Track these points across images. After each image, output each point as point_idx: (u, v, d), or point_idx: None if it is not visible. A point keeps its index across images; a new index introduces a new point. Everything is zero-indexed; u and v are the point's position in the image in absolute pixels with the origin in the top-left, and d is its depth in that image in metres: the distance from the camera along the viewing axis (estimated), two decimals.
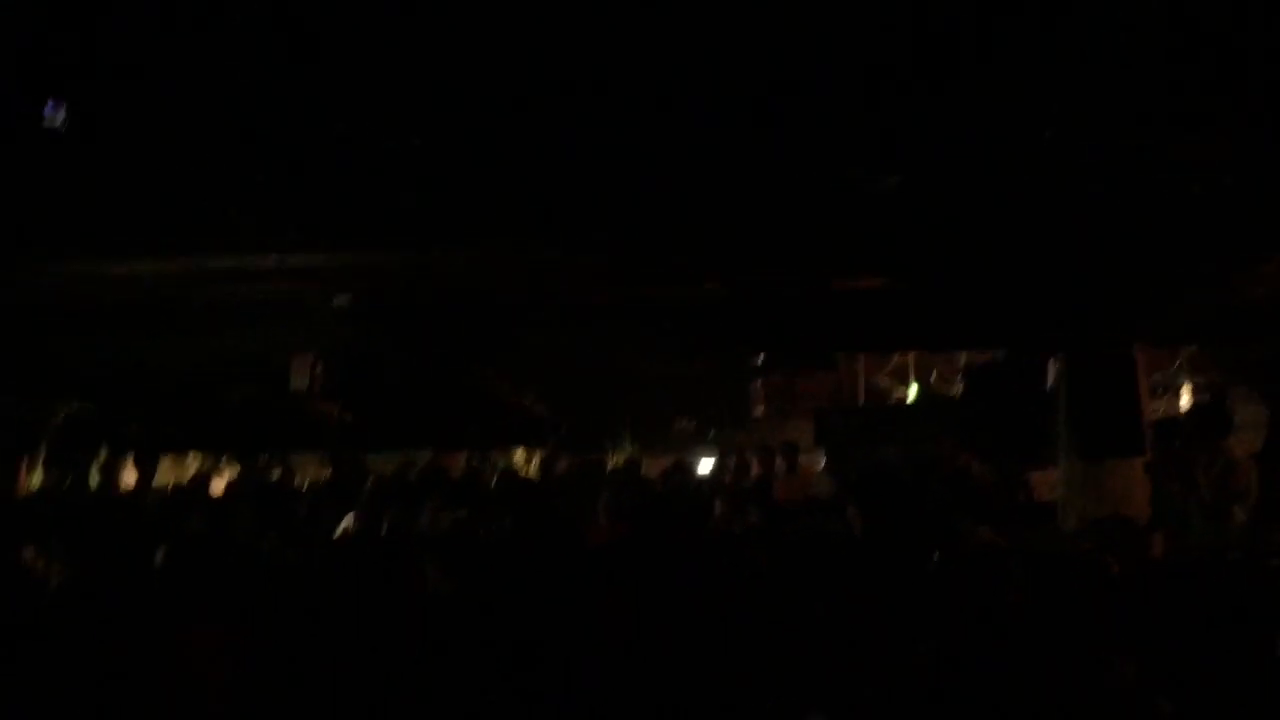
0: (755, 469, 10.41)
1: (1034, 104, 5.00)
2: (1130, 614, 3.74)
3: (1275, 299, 7.02)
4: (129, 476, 10.68)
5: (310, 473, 11.90)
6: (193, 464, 13.32)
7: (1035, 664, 3.38)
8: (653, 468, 11.97)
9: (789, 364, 11.48)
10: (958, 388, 11.74)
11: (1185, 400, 11.00)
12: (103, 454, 10.33)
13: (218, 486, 10.41)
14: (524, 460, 14.54)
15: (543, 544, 6.33)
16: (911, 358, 12.53)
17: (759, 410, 14.25)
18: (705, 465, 12.91)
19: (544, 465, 12.25)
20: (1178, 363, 11.39)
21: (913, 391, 12.62)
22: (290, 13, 4.65)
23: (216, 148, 5.38)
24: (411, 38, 4.70)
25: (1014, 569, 4.22)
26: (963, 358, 11.50)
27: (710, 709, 3.36)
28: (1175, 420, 9.01)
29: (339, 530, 7.37)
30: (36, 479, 9.68)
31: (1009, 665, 3.37)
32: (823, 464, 11.06)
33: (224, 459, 12.95)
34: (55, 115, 5.01)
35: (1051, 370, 8.11)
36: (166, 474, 11.96)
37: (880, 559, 5.02)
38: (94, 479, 10.14)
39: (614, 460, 12.73)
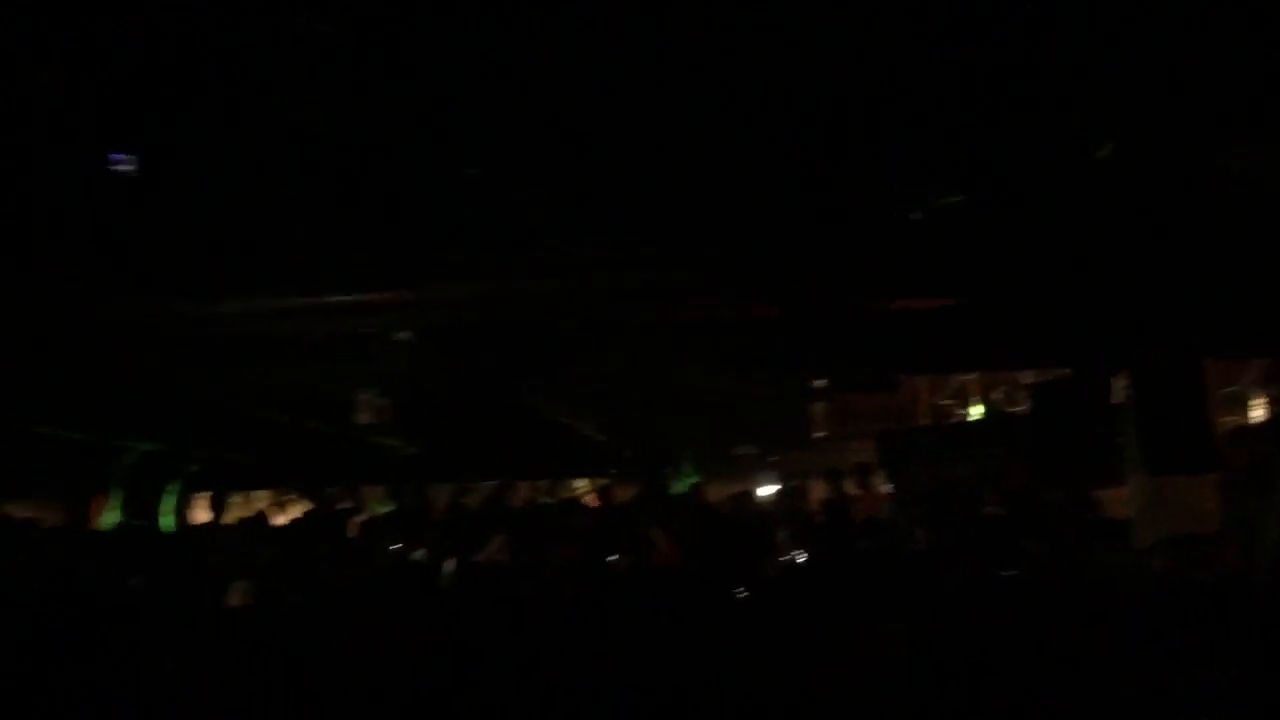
0: (821, 492, 10.39)
1: (1093, 118, 4.97)
2: (1208, 630, 3.67)
3: None
4: (200, 513, 10.87)
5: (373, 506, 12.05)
6: (260, 500, 13.53)
7: (1109, 683, 3.33)
8: (715, 493, 11.95)
9: (850, 386, 11.42)
10: (1022, 406, 11.60)
11: (1258, 413, 10.78)
12: (174, 491, 10.52)
13: (284, 519, 10.56)
14: (586, 489, 14.60)
15: (610, 573, 6.34)
16: (975, 377, 12.41)
17: (820, 433, 14.18)
18: (766, 490, 12.87)
19: (602, 494, 12.30)
20: (1249, 376, 11.17)
21: (977, 411, 12.50)
22: (344, 50, 4.74)
23: (277, 186, 5.48)
24: (465, 67, 4.77)
25: (1084, 588, 4.16)
26: (1028, 376, 11.37)
27: None
28: (1249, 430, 8.83)
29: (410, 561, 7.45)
30: (110, 518, 9.87)
31: (1083, 683, 3.32)
32: (885, 486, 11.00)
33: (290, 494, 13.14)
34: (125, 159, 5.15)
35: (1118, 386, 7.99)
36: (236, 510, 12.16)
37: (949, 580, 4.97)
38: (166, 516, 10.32)
39: (675, 487, 12.74)
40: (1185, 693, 3.13)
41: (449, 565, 7.17)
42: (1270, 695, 3.02)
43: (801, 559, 7.18)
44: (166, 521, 10.23)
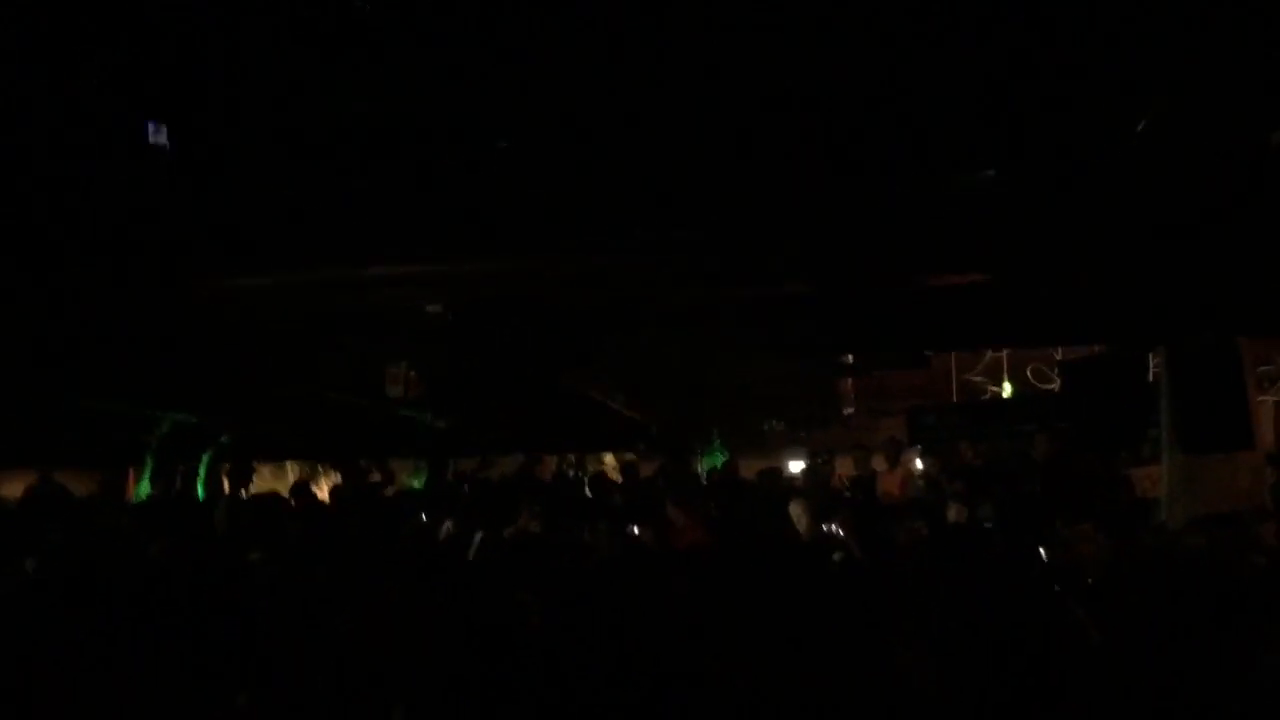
0: (849, 468, 10.36)
1: (1129, 95, 4.90)
2: (1241, 608, 3.64)
3: None
4: (231, 484, 10.96)
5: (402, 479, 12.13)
6: (292, 472, 13.64)
7: (1148, 660, 3.31)
8: (745, 469, 11.94)
9: (881, 363, 11.37)
10: (1054, 383, 11.54)
11: None
12: (206, 462, 10.62)
13: (321, 492, 10.64)
14: (614, 464, 14.62)
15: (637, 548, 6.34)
16: (1005, 354, 12.34)
17: (849, 410, 14.15)
18: (795, 466, 12.85)
19: (626, 470, 12.33)
20: None
21: (1008, 388, 12.43)
22: (368, 26, 4.73)
23: (309, 160, 5.49)
24: (496, 42, 4.75)
25: (1121, 567, 4.14)
26: (1058, 353, 11.30)
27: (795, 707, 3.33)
28: None
29: (441, 534, 7.50)
30: (144, 488, 9.98)
31: (1122, 659, 3.30)
32: (916, 462, 10.96)
33: (322, 466, 13.24)
34: (158, 134, 5.17)
35: (1153, 364, 7.92)
36: (267, 482, 12.26)
37: (981, 557, 4.94)
38: (199, 487, 10.42)
39: (704, 463, 12.74)
40: (1232, 672, 3.11)
41: (478, 537, 7.21)
42: None
43: (831, 531, 7.15)
44: (199, 492, 10.33)
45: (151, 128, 5.19)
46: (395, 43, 4.83)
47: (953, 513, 7.12)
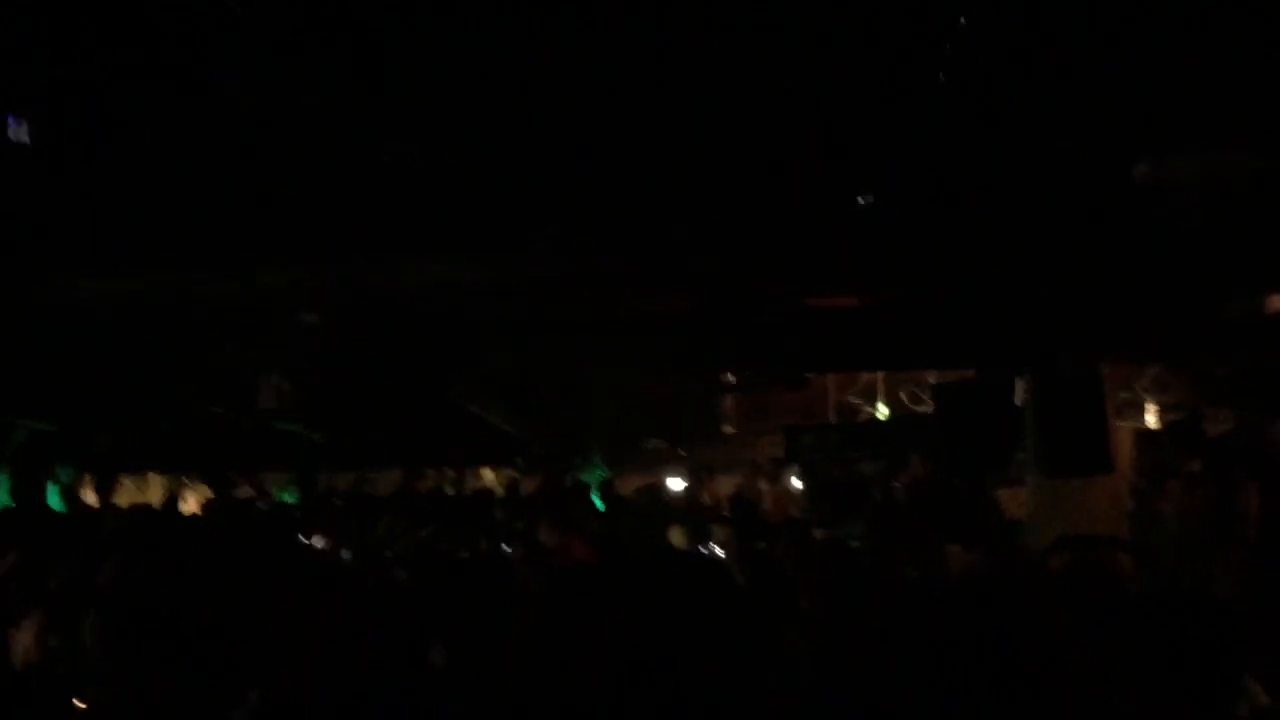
0: (728, 487, 10.42)
1: (1002, 124, 5.04)
2: (1101, 633, 3.74)
3: (1245, 317, 7.09)
4: (90, 495, 10.55)
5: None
6: (155, 484, 13.17)
7: (1011, 682, 3.37)
8: (623, 486, 11.93)
9: (760, 382, 11.50)
10: (926, 406, 11.79)
11: (1151, 419, 11.09)
12: (64, 472, 10.19)
13: (189, 506, 10.30)
14: (494, 479, 14.48)
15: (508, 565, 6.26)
16: (881, 376, 12.58)
17: (730, 428, 14.26)
18: (675, 484, 12.88)
19: (509, 486, 12.23)
20: (1143, 382, 11.49)
21: (883, 410, 12.67)
22: (254, 23, 4.63)
23: (185, 163, 5.34)
24: (388, 46, 4.69)
25: (990, 586, 4.21)
26: (932, 376, 11.56)
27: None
28: (1146, 434, 9.07)
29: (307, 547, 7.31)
30: (1, 498, 9.54)
31: (985, 682, 3.36)
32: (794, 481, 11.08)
33: (188, 478, 12.81)
34: (18, 130, 4.97)
35: (1019, 388, 8.15)
36: (130, 494, 11.82)
37: (859, 576, 5.01)
38: (54, 497, 10.00)
39: (583, 479, 12.69)
40: (1075, 694, 3.18)
41: (347, 553, 7.06)
42: (1159, 699, 3.09)
43: (707, 553, 7.19)
44: (55, 503, 9.91)
45: (11, 123, 4.99)
46: (277, 39, 4.72)
47: (819, 533, 7.22)
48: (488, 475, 14.77)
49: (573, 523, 8.01)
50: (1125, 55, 4.58)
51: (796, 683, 3.39)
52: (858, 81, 4.77)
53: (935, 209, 5.71)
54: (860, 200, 5.49)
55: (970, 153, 5.25)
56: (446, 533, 7.85)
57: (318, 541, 7.76)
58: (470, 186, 5.57)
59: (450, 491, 12.88)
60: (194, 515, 9.88)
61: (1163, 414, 11.09)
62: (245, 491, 11.25)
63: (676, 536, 7.44)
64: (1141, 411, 11.48)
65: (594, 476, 12.48)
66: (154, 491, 12.21)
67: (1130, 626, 3.29)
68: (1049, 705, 3.08)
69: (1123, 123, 4.94)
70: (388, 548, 7.58)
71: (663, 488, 11.32)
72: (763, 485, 10.61)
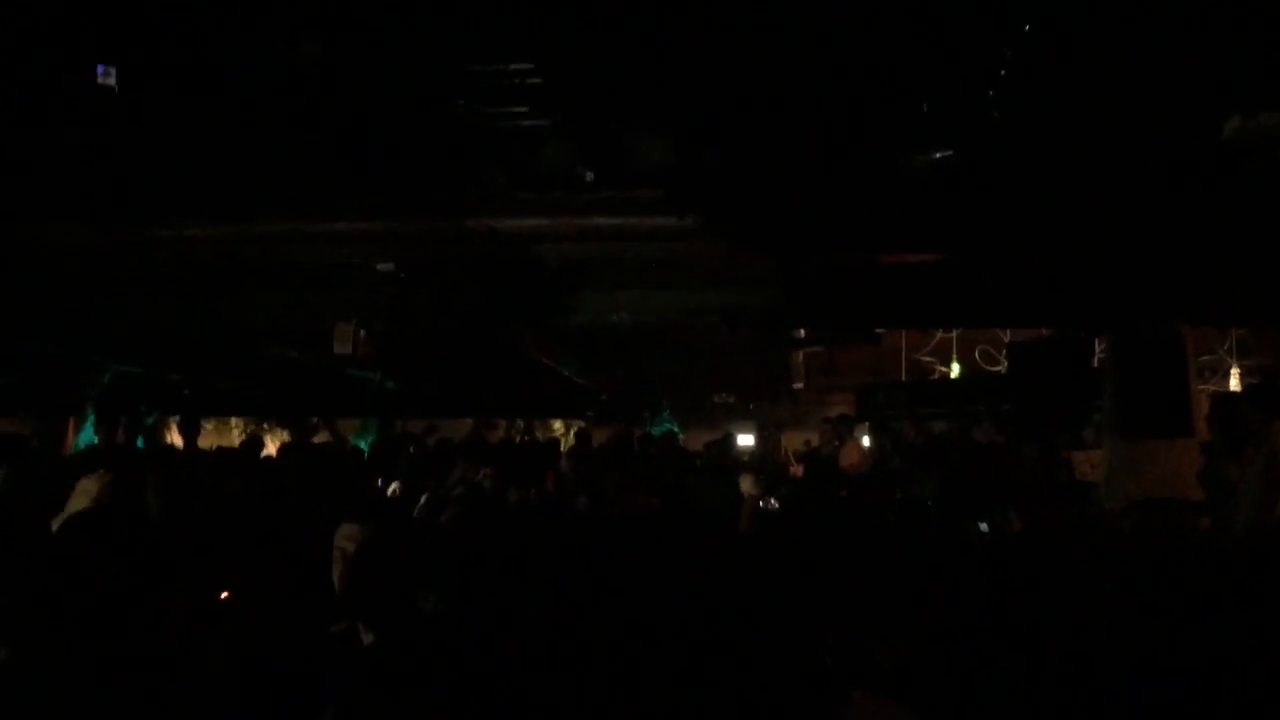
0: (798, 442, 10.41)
1: (1083, 79, 4.93)
2: (1172, 595, 3.70)
3: None
4: (174, 438, 10.83)
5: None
6: (236, 429, 13.49)
7: (1077, 642, 3.36)
8: (692, 441, 11.98)
9: (832, 338, 11.43)
10: (1001, 365, 11.66)
11: (1233, 383, 10.86)
12: (148, 415, 10.47)
13: (269, 449, 10.52)
14: (563, 431, 14.61)
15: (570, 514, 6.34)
16: (955, 334, 12.45)
17: (799, 384, 14.23)
18: (745, 439, 12.90)
19: (579, 436, 12.32)
20: (1226, 345, 11.25)
21: (955, 369, 12.55)
22: None
23: (263, 111, 5.40)
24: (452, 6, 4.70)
25: (1056, 548, 4.19)
26: (1007, 335, 11.42)
27: (743, 685, 3.34)
28: (1231, 397, 8.88)
29: (388, 494, 7.45)
30: (86, 437, 9.83)
31: (1052, 643, 3.35)
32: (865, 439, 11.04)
33: (267, 424, 13.10)
34: (107, 76, 5.06)
35: (1098, 349, 8.03)
36: (211, 438, 12.12)
37: (922, 535, 5.00)
38: (140, 439, 10.28)
39: (652, 432, 12.75)
40: (1149, 655, 3.16)
41: (424, 498, 7.18)
42: (1230, 661, 3.06)
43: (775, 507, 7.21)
44: (140, 444, 10.19)
45: (100, 70, 5.08)
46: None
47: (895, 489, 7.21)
48: (557, 427, 14.91)
49: (641, 475, 8.07)
50: (1214, 7, 4.44)
51: (859, 630, 3.40)
52: (936, 34, 4.69)
53: (1016, 165, 5.61)
54: (937, 155, 5.41)
55: (1053, 108, 5.14)
56: (508, 478, 7.94)
57: (392, 487, 7.91)
58: (547, 140, 5.58)
59: (519, 440, 13.02)
60: (268, 457, 10.10)
61: (1245, 377, 10.87)
62: (322, 436, 11.47)
63: (747, 484, 7.47)
64: (1225, 375, 11.26)
65: (663, 430, 12.54)
66: (234, 435, 12.51)
67: (1200, 588, 3.26)
68: (1112, 658, 3.07)
69: (1211, 78, 4.80)
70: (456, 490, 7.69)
71: (732, 442, 11.34)
72: (834, 442, 10.58)
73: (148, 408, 10.47)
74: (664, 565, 3.86)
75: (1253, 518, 5.14)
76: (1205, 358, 10.59)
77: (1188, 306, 7.30)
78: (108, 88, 4.92)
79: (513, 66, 5.10)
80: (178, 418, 10.58)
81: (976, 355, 12.51)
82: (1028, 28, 4.63)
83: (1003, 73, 4.88)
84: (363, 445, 11.18)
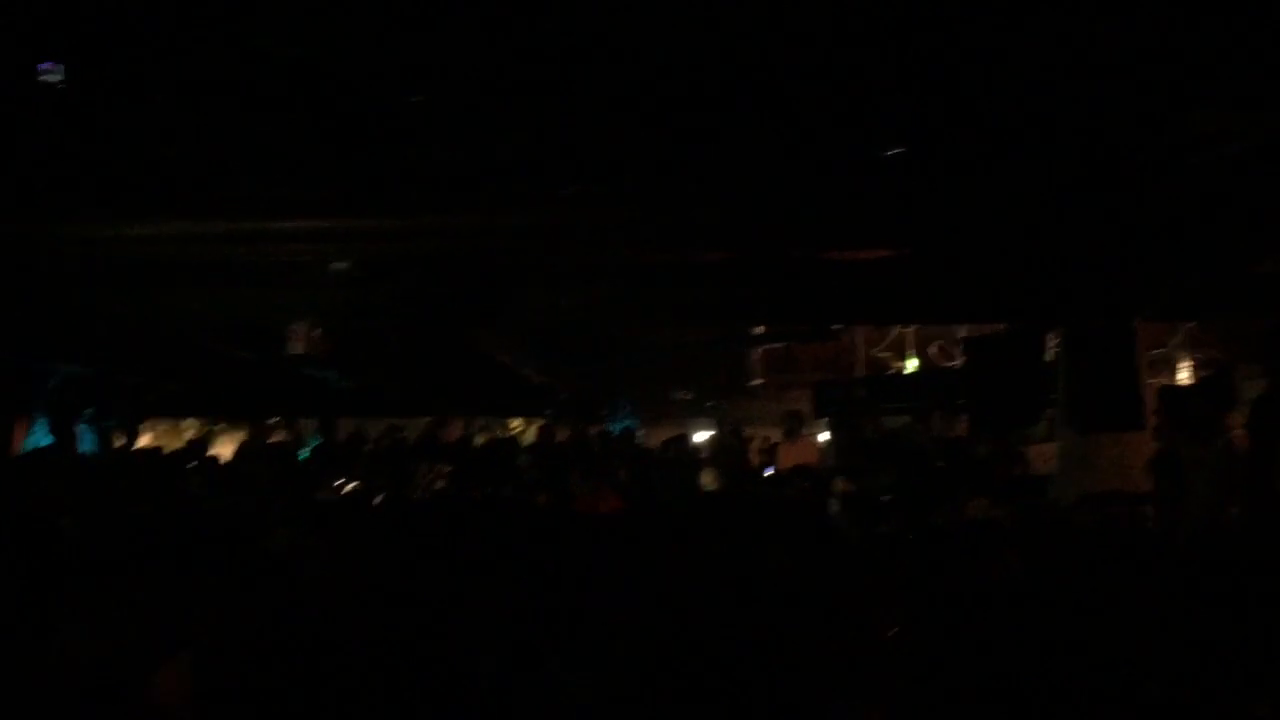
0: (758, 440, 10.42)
1: (1035, 74, 4.97)
2: (1126, 588, 3.73)
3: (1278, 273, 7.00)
4: (121, 439, 10.69)
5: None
6: (188, 429, 13.33)
7: (1030, 639, 3.38)
8: (652, 437, 11.98)
9: (789, 334, 11.47)
10: (957, 360, 11.75)
11: (1184, 375, 11.01)
12: (96, 416, 10.32)
13: (221, 450, 10.41)
14: (522, 429, 14.56)
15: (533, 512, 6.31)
16: (912, 330, 12.54)
17: (757, 380, 14.27)
18: (702, 436, 12.92)
19: (541, 434, 12.28)
20: (1177, 338, 11.40)
21: (912, 364, 12.63)
22: None
23: (217, 109, 5.34)
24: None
25: (1011, 542, 4.21)
26: (962, 330, 11.51)
27: (710, 684, 3.34)
28: (1182, 389, 8.97)
29: (343, 493, 7.39)
30: (37, 440, 9.68)
31: (1003, 640, 3.36)
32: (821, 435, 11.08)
33: (219, 424, 12.96)
34: (52, 72, 4.98)
35: (1050, 343, 8.10)
36: (163, 438, 11.98)
37: (871, 532, 5.03)
38: (86, 440, 10.13)
39: (611, 429, 12.75)
40: (1099, 648, 3.19)
41: (379, 498, 7.13)
42: (1179, 653, 3.09)
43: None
44: (88, 446, 10.04)
45: (44, 66, 4.99)
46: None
47: (839, 484, 7.23)
48: (516, 425, 14.86)
49: (602, 472, 8.06)
50: (1165, 7, 4.49)
51: (822, 626, 3.41)
52: (886, 30, 4.71)
53: (967, 160, 5.65)
54: (889, 152, 5.44)
55: (1005, 103, 5.18)
56: (467, 478, 7.91)
57: (348, 487, 7.85)
58: (503, 135, 5.55)
59: (479, 440, 12.96)
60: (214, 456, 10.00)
61: (1195, 370, 11.01)
62: (278, 436, 11.37)
63: (708, 479, 7.49)
64: (1173, 368, 11.40)
65: (622, 426, 12.53)
66: (187, 436, 12.36)
67: (1153, 580, 3.29)
68: (1067, 654, 3.09)
69: (1161, 76, 4.86)
70: (418, 493, 7.66)
71: (690, 439, 11.35)
72: (780, 439, 10.62)
73: (98, 410, 10.32)
74: (633, 563, 3.84)
75: (1207, 516, 5.20)
76: (1156, 351, 10.72)
77: (1139, 300, 7.38)
78: (51, 84, 4.84)
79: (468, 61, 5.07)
80: (125, 418, 10.45)
81: (931, 351, 12.61)
82: (979, 24, 4.66)
83: (955, 68, 4.91)
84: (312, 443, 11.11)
